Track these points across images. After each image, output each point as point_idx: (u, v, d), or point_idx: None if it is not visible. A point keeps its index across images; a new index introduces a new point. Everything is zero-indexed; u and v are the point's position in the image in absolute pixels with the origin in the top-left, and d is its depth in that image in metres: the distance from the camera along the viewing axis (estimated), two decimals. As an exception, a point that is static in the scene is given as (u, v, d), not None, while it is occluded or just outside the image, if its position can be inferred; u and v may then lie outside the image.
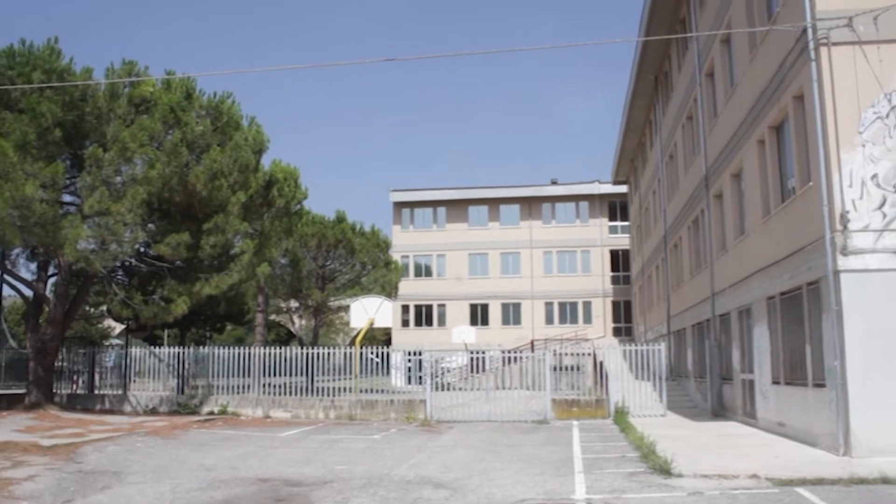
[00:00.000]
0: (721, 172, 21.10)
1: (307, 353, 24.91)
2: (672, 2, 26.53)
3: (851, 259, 12.71)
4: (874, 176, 12.87)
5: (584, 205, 55.95)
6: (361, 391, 25.78)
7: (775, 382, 16.49)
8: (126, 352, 27.82)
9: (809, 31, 13.50)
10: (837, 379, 12.70)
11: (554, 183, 56.73)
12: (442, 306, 55.68)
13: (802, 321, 14.66)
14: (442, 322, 54.85)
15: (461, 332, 43.79)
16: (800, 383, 14.92)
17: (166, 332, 49.88)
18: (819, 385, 13.75)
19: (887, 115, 13.00)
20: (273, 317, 50.58)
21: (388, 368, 33.16)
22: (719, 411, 21.60)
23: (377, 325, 26.54)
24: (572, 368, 28.88)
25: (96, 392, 26.91)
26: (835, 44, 13.27)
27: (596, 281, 54.50)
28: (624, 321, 53.35)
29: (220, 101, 24.17)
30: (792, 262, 15.02)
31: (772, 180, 16.79)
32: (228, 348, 25.73)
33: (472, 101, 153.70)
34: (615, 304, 54.17)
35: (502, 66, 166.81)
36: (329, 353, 25.41)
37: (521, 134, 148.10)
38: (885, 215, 12.77)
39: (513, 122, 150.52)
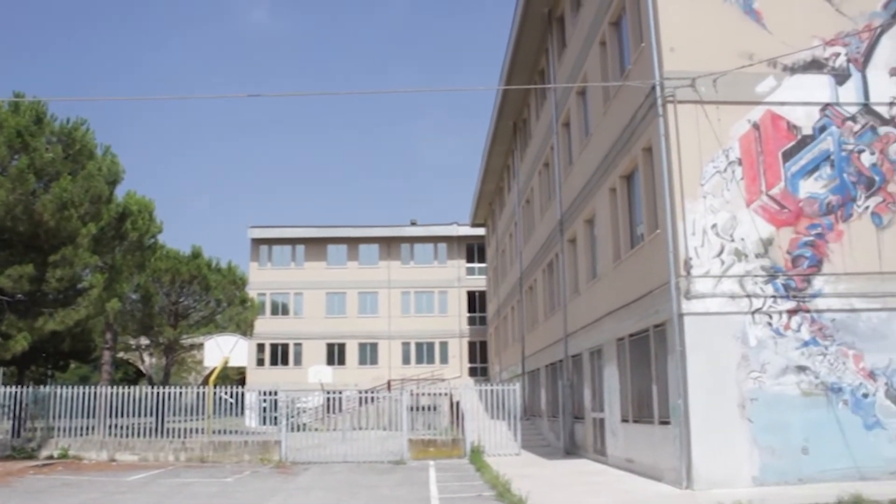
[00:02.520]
0: (575, 218, 21.98)
1: (157, 393, 23.98)
2: (532, 53, 27.64)
3: (694, 303, 13.52)
4: (714, 225, 13.80)
5: (442, 246, 56.77)
6: (214, 432, 25.06)
7: (624, 420, 17.19)
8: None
9: (657, 89, 14.40)
10: (681, 416, 13.39)
11: (413, 224, 57.37)
12: (298, 345, 54.86)
13: (649, 362, 15.41)
14: (298, 361, 54.02)
15: (318, 372, 43.30)
16: (647, 421, 15.61)
17: (2, 370, 46.82)
18: (664, 422, 14.45)
19: (725, 170, 14.01)
20: (122, 354, 48.36)
21: (242, 409, 32.39)
22: (572, 449, 22.25)
23: (232, 363, 25.98)
24: (429, 408, 29.12)
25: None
26: (680, 102, 14.22)
27: (453, 322, 55.18)
28: (480, 361, 54.16)
29: (74, 127, 23.25)
30: (640, 305, 15.79)
31: (622, 227, 17.65)
32: (71, 387, 24.40)
33: (333, 139, 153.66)
34: (471, 345, 54.96)
35: (365, 105, 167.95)
36: (180, 393, 24.57)
37: (383, 174, 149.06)
38: (723, 262, 13.69)
39: (374, 161, 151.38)
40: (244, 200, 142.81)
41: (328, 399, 30.16)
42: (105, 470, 20.14)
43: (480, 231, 52.18)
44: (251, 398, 33.41)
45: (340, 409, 32.26)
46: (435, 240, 56.82)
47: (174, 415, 25.12)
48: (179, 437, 23.40)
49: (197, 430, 25.83)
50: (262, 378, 51.12)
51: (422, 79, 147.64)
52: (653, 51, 14.70)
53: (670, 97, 14.23)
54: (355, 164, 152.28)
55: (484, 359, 53.60)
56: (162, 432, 24.16)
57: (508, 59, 28.55)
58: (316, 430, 29.45)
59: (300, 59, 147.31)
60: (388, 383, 48.11)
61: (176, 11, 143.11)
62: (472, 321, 55.36)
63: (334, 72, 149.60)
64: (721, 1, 14.83)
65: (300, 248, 56.76)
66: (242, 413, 33.27)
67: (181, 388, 24.92)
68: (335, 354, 54.54)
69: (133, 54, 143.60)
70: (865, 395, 13.53)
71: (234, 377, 54.79)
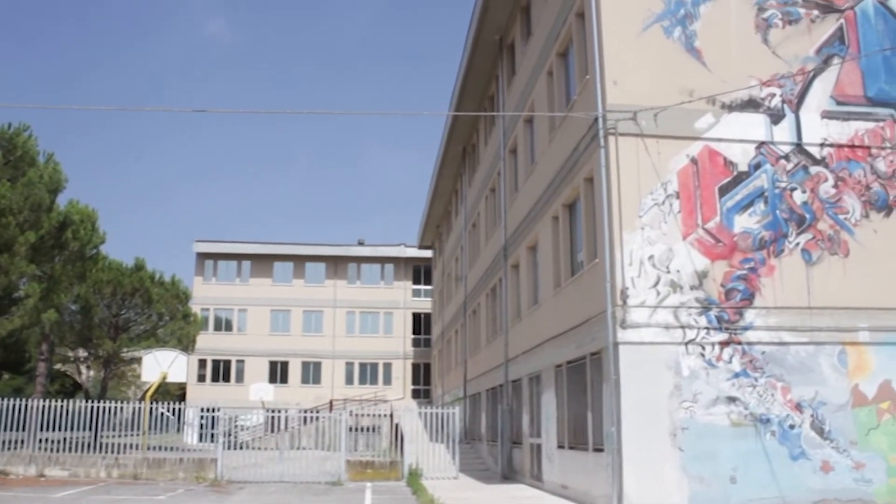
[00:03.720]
0: (519, 244, 22.21)
1: (92, 407, 23.43)
2: (483, 79, 27.95)
3: (629, 332, 13.74)
4: (651, 257, 14.08)
5: (389, 267, 56.79)
6: (150, 448, 24.62)
7: (560, 447, 17.35)
8: None
9: (600, 121, 14.68)
10: (614, 444, 13.57)
11: (361, 244, 57.33)
12: (241, 362, 54.26)
13: (586, 389, 15.60)
14: (240, 378, 53.42)
15: (259, 390, 42.85)
16: (582, 448, 15.78)
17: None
18: (598, 450, 14.62)
19: (663, 202, 14.33)
20: (59, 366, 47.38)
21: (180, 425, 31.87)
22: (509, 474, 22.35)
23: (171, 379, 25.60)
24: (370, 430, 29.01)
25: None
26: (622, 134, 14.51)
27: (397, 343, 55.14)
28: (423, 383, 54.14)
29: (15, 133, 22.83)
30: (578, 333, 16.00)
31: (563, 255, 17.89)
32: (1, 399, 23.74)
33: (282, 156, 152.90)
34: (415, 367, 54.94)
35: (315, 123, 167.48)
36: (117, 408, 24.05)
37: (331, 193, 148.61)
38: (658, 293, 13.96)
39: (323, 180, 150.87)
40: (191, 214, 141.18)
41: (269, 417, 29.81)
42: (33, 486, 19.65)
43: (427, 253, 52.31)
44: (190, 414, 32.86)
45: (280, 428, 31.90)
46: (382, 260, 56.85)
47: (110, 430, 24.58)
48: (113, 452, 22.92)
49: (132, 446, 25.35)
50: (202, 394, 50.41)
51: (378, 95, 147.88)
52: (597, 83, 14.99)
53: (612, 129, 14.52)
54: (304, 181, 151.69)
55: (427, 381, 53.58)
56: (96, 447, 23.60)
57: (459, 83, 28.82)
58: (255, 448, 29.14)
59: (256, 71, 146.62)
60: (331, 403, 47.78)
61: (130, 22, 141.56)
62: (416, 343, 55.37)
63: (290, 84, 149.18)
64: (664, 38, 15.21)
65: (246, 263, 56.33)
66: (181, 429, 32.68)
67: (118, 402, 24.43)
68: (278, 372, 54.08)
69: (85, 64, 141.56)
70: (792, 427, 13.86)
71: (174, 392, 53.93)
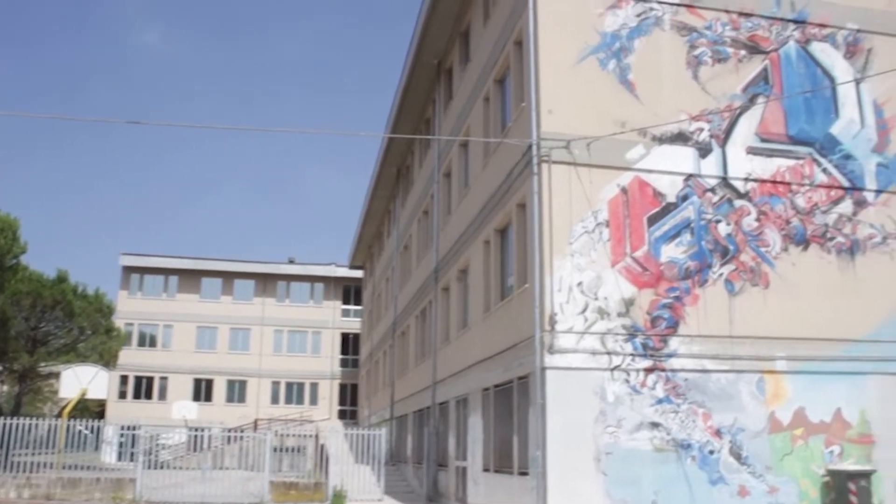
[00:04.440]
0: (450, 267, 22.33)
1: (4, 424, 22.59)
2: (420, 101, 28.12)
3: (557, 357, 13.92)
4: (580, 283, 14.31)
5: (319, 286, 56.43)
6: (65, 467, 23.85)
7: (486, 470, 17.41)
8: None
9: (534, 148, 14.90)
10: (539, 468, 13.69)
11: (291, 262, 56.89)
12: (164, 379, 53.09)
13: (512, 413, 15.72)
14: (163, 396, 52.27)
15: (182, 408, 42.05)
16: (507, 471, 15.86)
17: None
18: (523, 473, 14.72)
19: (593, 230, 14.60)
20: (-30, 380, 45.61)
21: (98, 443, 30.99)
22: (434, 496, 22.31)
23: (91, 395, 24.90)
24: (295, 450, 28.66)
25: None
26: (555, 162, 14.76)
27: (325, 363, 54.71)
28: (350, 404, 53.76)
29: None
30: (506, 357, 16.13)
31: (494, 279, 18.04)
32: None
33: (213, 170, 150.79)
34: (342, 387, 54.55)
35: (249, 140, 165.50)
36: (31, 425, 23.22)
37: (263, 210, 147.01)
38: (586, 319, 14.19)
39: (255, 197, 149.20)
40: (117, 227, 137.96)
41: (191, 436, 29.20)
42: (-62, 504, 18.85)
43: (358, 273, 52.13)
44: (109, 432, 32.00)
45: (203, 447, 31.27)
46: (312, 279, 56.47)
47: (24, 448, 23.71)
48: (26, 471, 22.11)
49: (47, 465, 24.49)
50: (123, 411, 49.12)
51: (315, 114, 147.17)
52: (532, 111, 15.22)
53: (546, 157, 14.76)
54: (236, 197, 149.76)
55: (354, 402, 53.23)
56: (6, 466, 22.72)
57: (396, 105, 28.96)
58: (177, 468, 28.45)
59: (191, 83, 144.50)
60: (255, 422, 47.08)
61: (63, 32, 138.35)
62: (344, 363, 55.03)
63: (224, 100, 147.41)
64: (599, 70, 15.57)
65: (173, 278, 55.33)
66: (99, 448, 31.76)
67: (33, 419, 23.60)
68: (202, 390, 53.13)
69: (18, 73, 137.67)
70: (711, 452, 14.20)
71: (94, 409, 52.46)
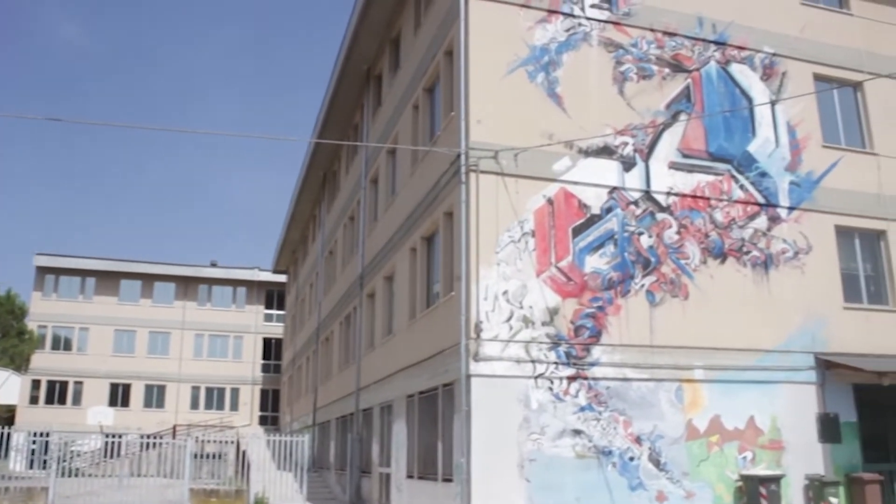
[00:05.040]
0: (376, 273, 22.32)
1: None
2: (348, 107, 28.01)
3: (482, 365, 14.07)
4: (505, 292, 14.50)
5: (241, 290, 55.65)
6: (-31, 476, 23.00)
7: (409, 476, 17.44)
8: None
9: (463, 158, 15.04)
10: (463, 474, 13.79)
11: (214, 265, 55.93)
12: (79, 384, 51.54)
13: (437, 419, 15.80)
14: (78, 401, 50.75)
15: (98, 413, 41.00)
16: (431, 478, 15.93)
17: None
18: (447, 480, 14.81)
19: (519, 240, 14.82)
20: None
21: (7, 451, 29.90)
22: (357, 503, 22.23)
23: (0, 401, 24.05)
24: (215, 456, 28.19)
25: None
26: (482, 172, 14.93)
27: (247, 368, 53.96)
28: (272, 410, 53.14)
29: None
30: (432, 364, 16.22)
31: (420, 286, 18.11)
32: None
33: (134, 169, 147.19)
34: (264, 393, 53.88)
35: (174, 141, 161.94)
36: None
37: (186, 213, 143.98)
38: (511, 328, 14.39)
39: (178, 199, 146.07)
40: (32, 226, 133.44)
41: (107, 442, 28.41)
42: None
43: (282, 278, 51.61)
44: (19, 439, 30.87)
45: (120, 454, 30.52)
46: (235, 283, 55.66)
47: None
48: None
49: (-50, 474, 23.58)
50: (35, 417, 47.51)
51: (241, 113, 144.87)
52: (461, 121, 15.37)
53: (474, 166, 14.92)
54: (158, 199, 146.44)
55: (276, 408, 52.63)
56: None
57: (324, 110, 28.77)
58: (91, 475, 27.66)
59: (113, 78, 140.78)
60: (174, 428, 46.10)
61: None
62: (266, 368, 54.37)
63: (146, 99, 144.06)
64: (528, 82, 15.82)
65: (90, 280, 53.84)
66: (8, 455, 30.65)
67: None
68: (119, 395, 51.83)
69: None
70: (632, 459, 14.54)
71: (2, 415, 50.62)
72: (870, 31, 19.57)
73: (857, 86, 18.98)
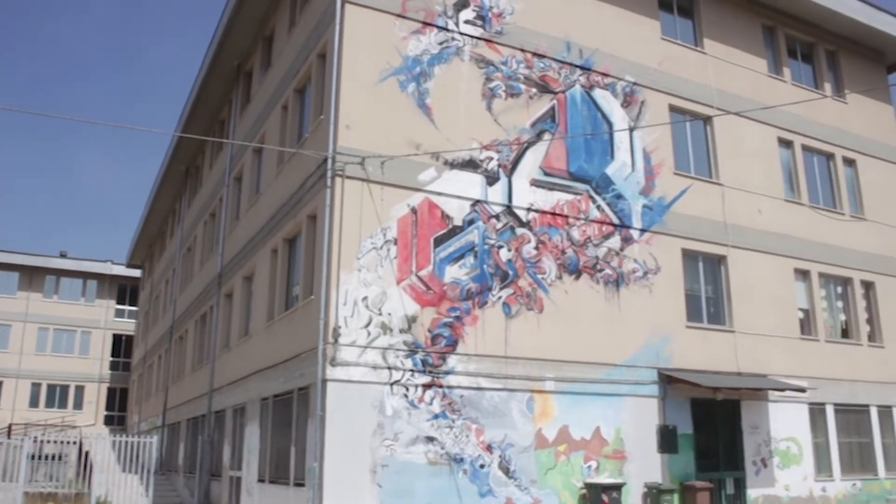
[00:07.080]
0: (235, 273, 21.92)
1: None
2: (216, 101, 27.40)
3: (339, 370, 14.07)
4: (365, 298, 14.57)
5: (92, 283, 53.16)
6: None
7: (261, 480, 17.21)
8: None
9: (329, 162, 15.02)
10: (315, 479, 13.75)
11: (63, 256, 53.16)
12: None
13: (291, 423, 15.68)
14: None
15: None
16: (283, 482, 15.78)
17: None
18: (299, 484, 14.71)
19: (381, 247, 14.92)
20: None
21: None
22: (203, 507, 21.74)
23: None
24: (55, 458, 26.82)
25: None
26: (348, 177, 14.94)
27: (93, 365, 51.57)
28: (119, 410, 51.02)
29: None
30: (288, 367, 16.08)
31: (279, 288, 17.93)
32: None
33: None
34: (111, 391, 51.64)
35: (22, 123, 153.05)
36: None
37: (34, 199, 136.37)
38: (369, 334, 14.46)
39: (25, 185, 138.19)
40: None
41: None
42: None
43: (136, 272, 49.81)
44: None
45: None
46: (85, 275, 53.04)
47: None
48: None
49: None
50: None
51: (100, 99, 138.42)
52: (330, 125, 15.35)
53: (340, 171, 14.91)
54: (4, 179, 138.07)
55: (123, 407, 50.60)
56: None
57: (191, 103, 28.03)
58: None
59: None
60: (10, 427, 43.52)
61: None
62: (115, 366, 52.14)
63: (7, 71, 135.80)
64: (398, 91, 15.96)
65: (-82, 264, 50.19)
66: None
67: None
68: (-52, 390, 48.51)
69: None
70: (482, 466, 14.88)
71: None
72: (720, 69, 20.88)
73: (707, 119, 20.16)
